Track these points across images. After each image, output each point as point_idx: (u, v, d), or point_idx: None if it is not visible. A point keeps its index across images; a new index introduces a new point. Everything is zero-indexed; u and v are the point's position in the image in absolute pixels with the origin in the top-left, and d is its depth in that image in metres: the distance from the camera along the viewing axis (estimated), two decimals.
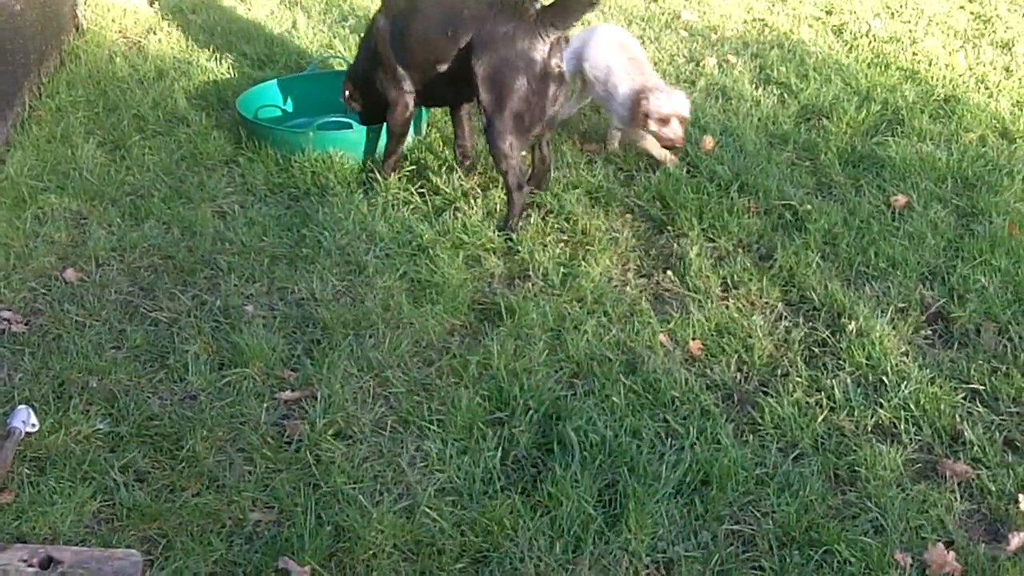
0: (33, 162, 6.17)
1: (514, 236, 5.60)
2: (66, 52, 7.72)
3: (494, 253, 5.47)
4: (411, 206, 5.86)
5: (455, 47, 5.62)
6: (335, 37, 8.34)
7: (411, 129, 6.33)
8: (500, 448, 4.16)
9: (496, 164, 5.71)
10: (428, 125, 6.75)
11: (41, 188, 5.92)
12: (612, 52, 6.53)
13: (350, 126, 6.35)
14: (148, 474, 4.01)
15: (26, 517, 3.78)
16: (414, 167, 6.26)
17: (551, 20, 5.43)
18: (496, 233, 5.58)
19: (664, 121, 6.20)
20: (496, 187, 6.00)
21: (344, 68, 6.78)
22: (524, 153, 5.86)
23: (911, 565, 3.67)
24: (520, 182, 5.67)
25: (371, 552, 3.69)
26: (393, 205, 5.84)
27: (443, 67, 5.74)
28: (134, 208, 5.77)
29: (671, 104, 6.19)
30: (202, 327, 4.82)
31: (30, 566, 3.51)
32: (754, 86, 7.60)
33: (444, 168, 6.24)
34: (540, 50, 5.46)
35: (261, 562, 3.63)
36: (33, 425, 4.14)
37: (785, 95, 7.44)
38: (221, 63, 7.75)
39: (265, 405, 4.36)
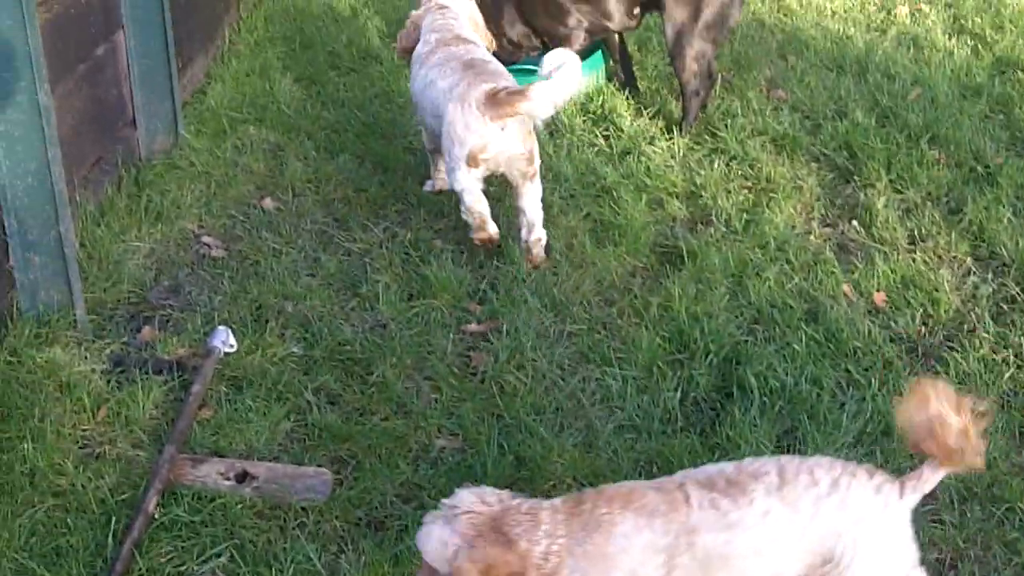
0: (233, 94, 6.41)
1: (683, 141, 5.94)
2: None
3: (677, 197, 5.50)
4: (595, 148, 5.92)
5: None
6: None
7: (597, 74, 6.44)
8: (679, 389, 4.21)
9: (679, 74, 6.05)
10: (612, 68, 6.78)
11: (240, 120, 6.15)
12: None
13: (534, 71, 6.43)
14: (339, 397, 4.18)
15: (223, 433, 3.98)
16: (599, 110, 6.30)
17: None
18: (679, 177, 5.62)
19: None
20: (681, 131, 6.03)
21: None
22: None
23: None
24: (699, 88, 6.04)
25: (551, 482, 3.78)
26: (578, 147, 5.90)
27: None
28: (329, 142, 5.95)
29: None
30: (393, 259, 4.97)
31: (226, 479, 3.73)
32: (947, 36, 7.42)
33: (628, 111, 6.27)
34: None
35: (445, 486, 3.72)
36: (231, 346, 4.33)
37: (979, 46, 7.25)
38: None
39: (452, 336, 4.49)
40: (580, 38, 6.29)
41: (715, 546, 2.77)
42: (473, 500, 2.82)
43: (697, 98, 6.06)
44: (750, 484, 2.81)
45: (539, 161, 4.92)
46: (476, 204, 4.89)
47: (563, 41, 6.26)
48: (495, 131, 4.69)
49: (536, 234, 4.97)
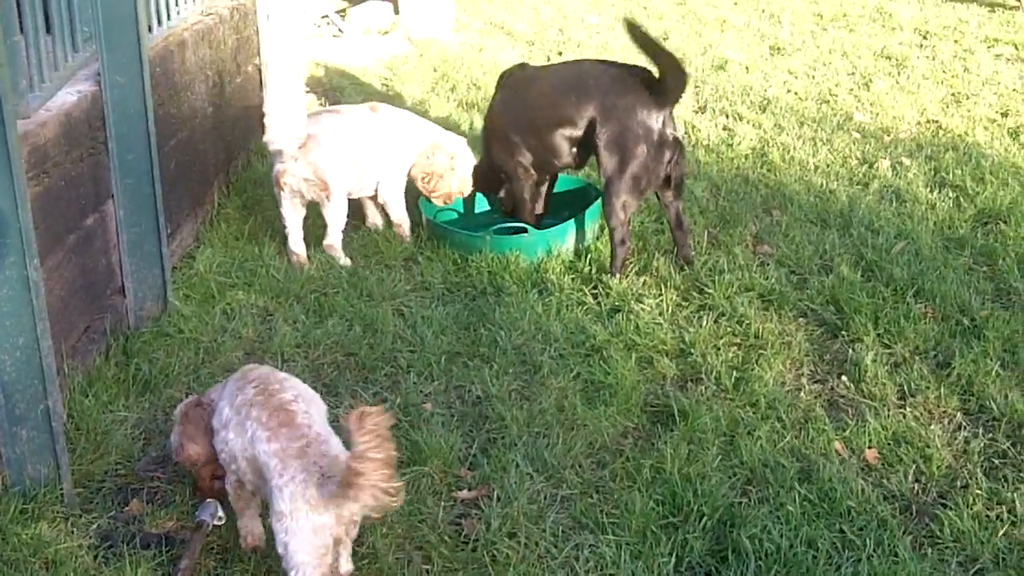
0: (221, 259, 6.46)
1: (613, 282, 6.20)
2: (252, 151, 8.06)
3: (667, 355, 5.51)
4: (584, 307, 5.95)
5: (577, 113, 6.24)
6: None
7: (588, 230, 6.55)
8: (674, 554, 4.16)
9: (607, 219, 6.22)
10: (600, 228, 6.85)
11: (229, 284, 6.18)
12: None
13: (525, 231, 6.52)
14: None
15: None
16: (588, 268, 6.35)
17: (661, 96, 6.05)
18: (668, 334, 5.64)
19: None
20: (668, 288, 6.07)
21: None
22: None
23: None
24: (624, 238, 6.21)
25: None
26: (567, 306, 5.93)
27: (563, 132, 6.34)
28: (318, 305, 5.98)
29: None
30: None
31: None
32: (929, 189, 7.52)
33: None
34: (656, 119, 6.03)
35: None
36: (220, 518, 4.28)
37: (961, 198, 7.34)
38: None
39: (443, 503, 4.45)
40: (530, 174, 6.64)
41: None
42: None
43: (623, 247, 6.23)
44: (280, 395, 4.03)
45: (336, 188, 6.46)
46: (287, 218, 6.53)
47: (511, 175, 6.65)
48: (291, 160, 6.33)
49: (328, 240, 6.53)
